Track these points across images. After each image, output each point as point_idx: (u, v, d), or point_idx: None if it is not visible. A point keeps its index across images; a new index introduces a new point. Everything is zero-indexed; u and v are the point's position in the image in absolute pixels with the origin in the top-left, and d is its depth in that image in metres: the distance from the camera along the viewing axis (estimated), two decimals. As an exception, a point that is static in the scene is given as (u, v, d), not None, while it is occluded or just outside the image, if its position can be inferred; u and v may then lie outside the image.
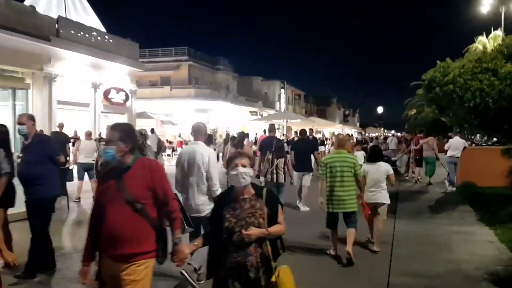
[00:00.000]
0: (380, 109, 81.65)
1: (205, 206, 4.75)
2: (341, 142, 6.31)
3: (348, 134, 14.53)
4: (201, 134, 5.05)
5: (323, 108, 78.10)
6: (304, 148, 10.06)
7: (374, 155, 6.67)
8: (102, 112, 23.39)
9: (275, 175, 8.53)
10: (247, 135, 11.60)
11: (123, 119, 25.41)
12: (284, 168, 8.68)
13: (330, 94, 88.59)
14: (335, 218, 6.00)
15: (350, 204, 5.89)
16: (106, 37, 23.42)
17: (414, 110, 55.13)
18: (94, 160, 10.67)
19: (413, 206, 9.90)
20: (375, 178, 6.33)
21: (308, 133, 11.68)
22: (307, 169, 9.76)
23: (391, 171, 6.46)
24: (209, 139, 13.40)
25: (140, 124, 28.74)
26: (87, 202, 10.45)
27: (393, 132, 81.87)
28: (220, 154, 18.21)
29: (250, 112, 43.19)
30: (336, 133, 9.02)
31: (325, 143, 27.55)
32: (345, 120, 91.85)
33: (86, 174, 10.74)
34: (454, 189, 12.69)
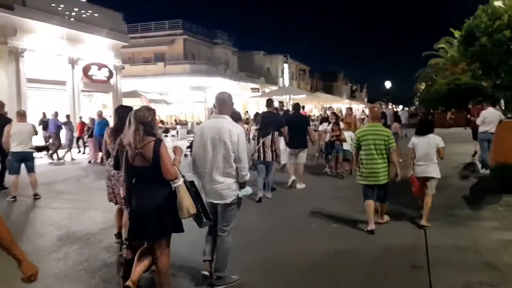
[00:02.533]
0: (388, 84, 78.96)
1: (231, 191, 4.15)
2: (374, 115, 6.28)
3: (350, 108, 12.76)
4: (227, 106, 4.32)
5: (330, 83, 76.65)
6: (299, 123, 9.47)
7: (423, 127, 6.45)
8: (82, 91, 21.16)
9: (262, 154, 8.06)
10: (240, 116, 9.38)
11: (107, 98, 23.24)
12: (271, 147, 8.14)
13: (337, 69, 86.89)
14: (370, 190, 6.05)
15: (383, 176, 5.92)
16: (84, 6, 20.95)
17: (424, 84, 52.82)
18: (32, 148, 8.46)
19: (442, 199, 7.57)
20: (425, 151, 6.13)
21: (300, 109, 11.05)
22: (302, 146, 9.31)
23: (442, 144, 6.17)
24: (237, 116, 12.21)
25: (130, 104, 26.57)
26: (25, 203, 8.30)
27: (401, 106, 79.58)
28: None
29: (251, 88, 40.84)
30: (369, 107, 8.31)
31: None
32: (352, 96, 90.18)
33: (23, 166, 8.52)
34: (488, 171, 10.32)
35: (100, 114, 14.90)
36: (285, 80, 50.75)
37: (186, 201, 3.73)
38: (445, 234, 5.81)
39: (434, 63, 45.07)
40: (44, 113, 17.03)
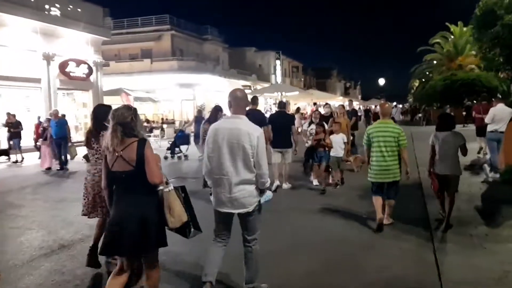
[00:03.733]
0: (382, 81, 78.72)
1: (253, 198, 3.78)
2: (385, 111, 6.17)
3: (342, 105, 11.32)
4: (242, 105, 3.91)
5: (323, 80, 76.41)
6: (284, 122, 9.03)
7: (444, 122, 6.15)
8: (58, 88, 19.87)
9: None
10: (221, 109, 9.21)
11: (86, 97, 21.96)
12: None
13: (330, 66, 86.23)
14: (379, 187, 6.00)
15: (393, 174, 5.85)
16: (60, -1, 19.64)
17: (418, 81, 51.91)
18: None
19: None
20: (446, 148, 5.90)
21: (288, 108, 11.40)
22: (287, 145, 8.98)
23: (463, 141, 5.95)
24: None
25: (112, 103, 25.35)
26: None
27: (395, 103, 79.40)
28: (191, 132, 15.27)
29: (243, 86, 39.58)
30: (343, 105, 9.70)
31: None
32: (346, 93, 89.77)
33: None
34: (498, 175, 9.23)
35: (56, 114, 13.45)
36: (278, 77, 49.63)
37: (177, 208, 3.43)
38: (461, 263, 4.65)
39: (430, 59, 44.14)
40: (8, 114, 15.57)
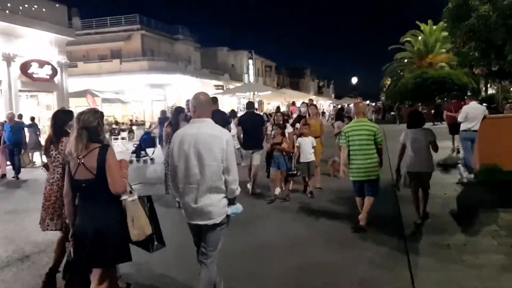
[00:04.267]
0: (354, 80, 79.45)
1: (220, 209, 3.47)
2: (360, 110, 6.20)
3: (314, 106, 10.39)
4: (207, 107, 3.62)
5: (297, 80, 76.60)
6: (253, 122, 8.90)
7: (414, 120, 6.19)
8: (20, 90, 18.95)
9: None
10: (183, 110, 8.70)
11: (50, 99, 21.09)
12: None
13: (304, 66, 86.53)
14: (360, 186, 5.97)
15: (372, 172, 5.83)
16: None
17: (390, 79, 52.43)
18: None
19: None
20: (418, 145, 5.94)
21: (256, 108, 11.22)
22: (257, 147, 8.80)
23: (433, 138, 6.00)
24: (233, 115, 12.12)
25: (78, 104, 24.55)
26: None
27: (367, 101, 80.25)
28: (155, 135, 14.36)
29: (215, 86, 39.14)
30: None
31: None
32: (319, 92, 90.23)
33: None
34: (472, 176, 9.07)
35: (11, 117, 12.65)
36: (251, 76, 49.19)
37: (142, 219, 3.24)
38: (440, 279, 4.30)
39: (401, 58, 44.62)
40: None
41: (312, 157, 8.15)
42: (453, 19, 14.18)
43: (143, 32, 34.86)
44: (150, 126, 21.38)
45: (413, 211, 6.19)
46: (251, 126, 8.74)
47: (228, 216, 3.55)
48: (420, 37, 41.98)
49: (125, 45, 34.57)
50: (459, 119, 9.42)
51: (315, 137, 8.40)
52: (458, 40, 14.46)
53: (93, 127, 3.26)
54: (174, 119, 8.25)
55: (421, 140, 5.94)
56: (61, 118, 4.23)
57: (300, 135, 8.29)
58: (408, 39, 42.76)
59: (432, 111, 29.70)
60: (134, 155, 14.20)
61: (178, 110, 8.78)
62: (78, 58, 34.28)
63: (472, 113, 9.15)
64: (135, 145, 14.48)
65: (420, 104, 35.18)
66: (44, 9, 19.61)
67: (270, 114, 32.91)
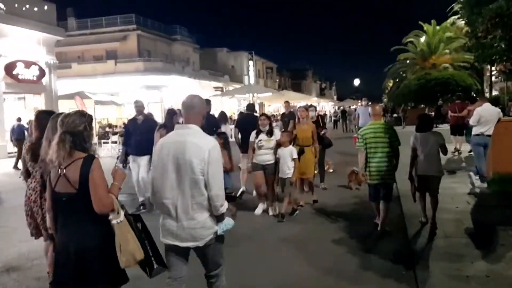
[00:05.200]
0: (357, 82, 78.86)
1: (206, 230, 3.04)
2: (376, 112, 6.12)
3: (305, 108, 8.93)
4: (196, 113, 3.23)
5: (298, 81, 76.39)
6: (251, 125, 8.36)
7: (424, 122, 6.06)
8: (5, 92, 18.13)
9: None
10: (175, 112, 8.30)
11: (38, 101, 20.26)
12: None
13: (306, 67, 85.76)
14: (375, 189, 5.91)
15: (387, 176, 5.77)
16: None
17: (392, 81, 51.42)
18: None
19: (437, 236, 5.33)
20: (428, 149, 5.78)
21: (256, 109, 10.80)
22: None
23: (443, 141, 5.87)
24: (223, 119, 10.70)
25: (67, 107, 23.74)
26: None
27: (364, 102, 79.38)
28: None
29: (214, 87, 38.29)
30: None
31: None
32: (321, 94, 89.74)
33: None
34: (485, 185, 8.14)
35: None
36: (251, 78, 48.37)
37: (130, 243, 2.79)
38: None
39: (404, 58, 43.64)
40: None
41: (289, 173, 6.72)
42: (471, 4, 12.78)
43: (139, 33, 34.12)
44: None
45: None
46: (250, 129, 8.25)
47: (217, 236, 3.11)
48: (423, 38, 41.01)
49: (121, 46, 33.81)
50: (471, 122, 8.48)
51: (306, 146, 7.41)
52: (480, 28, 12.30)
53: (79, 132, 2.90)
54: (169, 122, 7.78)
55: (430, 143, 5.80)
56: (46, 119, 3.80)
57: (279, 145, 6.93)
58: (411, 39, 41.78)
59: (432, 113, 28.80)
60: (118, 161, 13.23)
61: (171, 113, 8.37)
62: (73, 59, 33.64)
63: (485, 116, 8.22)
64: (120, 150, 13.47)
65: (423, 105, 34.24)
66: (30, 7, 18.79)
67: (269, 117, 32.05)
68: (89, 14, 44.00)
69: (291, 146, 6.87)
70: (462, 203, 7.14)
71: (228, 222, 3.15)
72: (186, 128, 3.16)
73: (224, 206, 3.09)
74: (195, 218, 3.02)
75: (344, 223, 6.64)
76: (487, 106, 8.44)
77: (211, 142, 3.10)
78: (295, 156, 6.79)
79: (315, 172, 7.93)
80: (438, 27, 40.23)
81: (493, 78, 34.82)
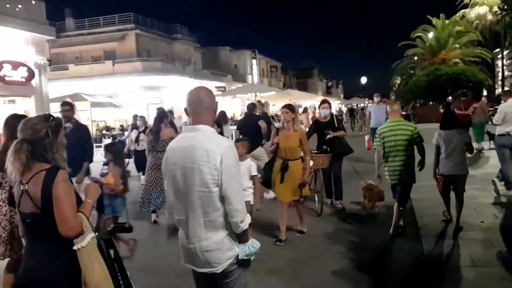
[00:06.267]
0: (364, 79, 77.85)
1: (223, 253, 2.51)
2: (395, 110, 5.88)
3: (287, 107, 7.73)
4: (205, 108, 2.64)
5: (304, 80, 75.52)
6: (252, 126, 8.71)
7: (449, 120, 5.81)
8: (-9, 95, 17.24)
9: None
10: (165, 114, 7.89)
11: (28, 104, 19.33)
12: None
13: (311, 65, 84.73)
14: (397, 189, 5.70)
15: (405, 175, 5.53)
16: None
17: (399, 78, 50.16)
18: None
19: (461, 258, 4.25)
20: (453, 147, 5.58)
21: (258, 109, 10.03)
22: (256, 146, 8.46)
23: (469, 139, 5.74)
24: (223, 119, 9.68)
25: (58, 110, 22.84)
26: None
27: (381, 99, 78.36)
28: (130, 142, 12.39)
29: (216, 87, 37.25)
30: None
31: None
32: (328, 92, 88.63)
33: None
34: (512, 192, 7.03)
35: None
36: (254, 77, 47.34)
37: (97, 274, 2.34)
38: None
39: (412, 54, 42.37)
40: None
41: (246, 195, 4.76)
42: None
43: (138, 32, 33.17)
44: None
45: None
46: (251, 130, 8.47)
47: (241, 260, 2.54)
48: (432, 33, 39.73)
49: (119, 46, 32.87)
50: (495, 121, 7.35)
51: (292, 159, 5.60)
52: None
53: (38, 139, 2.48)
54: (155, 125, 7.33)
55: (455, 141, 5.62)
56: (15, 124, 3.21)
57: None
58: (419, 34, 40.51)
59: (442, 110, 27.60)
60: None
61: (160, 115, 7.60)
62: (71, 60, 32.90)
63: (511, 112, 7.09)
64: (134, 150, 12.42)
65: (432, 102, 33.05)
66: (14, 4, 17.85)
67: (273, 116, 31.06)
68: (88, 14, 43.05)
69: (248, 160, 5.32)
70: (488, 216, 6.04)
71: (253, 244, 2.58)
72: (194, 130, 2.60)
73: (246, 222, 2.53)
74: (209, 238, 2.51)
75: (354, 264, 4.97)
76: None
77: (223, 144, 2.53)
78: (254, 172, 5.23)
79: (308, 191, 5.97)
80: (447, 21, 38.97)
81: (506, 73, 33.50)
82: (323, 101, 7.68)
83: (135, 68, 29.84)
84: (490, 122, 10.33)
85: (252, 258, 2.59)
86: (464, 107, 12.05)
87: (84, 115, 24.62)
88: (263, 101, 43.12)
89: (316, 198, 7.27)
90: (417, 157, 5.70)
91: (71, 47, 33.73)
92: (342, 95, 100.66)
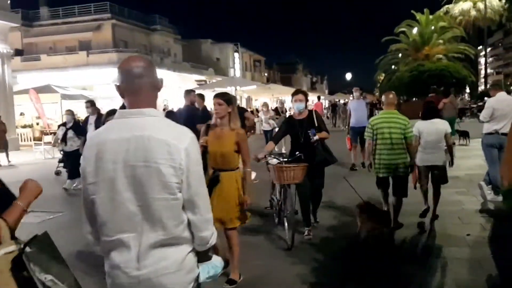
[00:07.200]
0: (349, 75, 77.78)
1: (183, 275, 1.89)
2: (390, 101, 5.65)
3: (265, 104, 7.36)
4: (147, 84, 1.92)
5: (288, 75, 75.10)
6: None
7: (429, 110, 5.88)
8: None
9: None
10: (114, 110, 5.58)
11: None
12: None
13: (296, 60, 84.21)
14: (386, 182, 5.56)
15: (401, 168, 5.38)
16: None
17: (383, 74, 49.78)
18: None
19: (443, 279, 3.48)
20: (433, 138, 5.61)
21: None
22: None
23: (449, 129, 5.74)
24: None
25: (22, 102, 21.75)
26: None
27: (362, 94, 78.16)
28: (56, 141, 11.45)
29: (197, 81, 36.28)
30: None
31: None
32: (312, 88, 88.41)
33: None
34: (500, 198, 6.30)
35: None
36: (237, 71, 46.39)
37: None
38: None
39: (395, 49, 41.95)
40: None
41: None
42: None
43: (114, 22, 32.03)
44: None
45: None
46: None
47: (199, 285, 1.96)
48: (416, 28, 39.33)
49: (95, 36, 31.67)
50: (482, 118, 6.61)
51: (226, 170, 4.03)
52: None
53: None
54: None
55: (436, 132, 5.62)
56: None
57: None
58: (403, 29, 40.08)
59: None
60: (62, 164, 11.23)
61: (110, 113, 6.46)
62: (45, 51, 31.67)
63: (501, 109, 6.34)
64: (62, 152, 11.37)
65: (415, 99, 32.66)
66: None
67: (253, 111, 30.21)
68: (63, 3, 41.47)
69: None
70: (474, 227, 5.31)
71: (216, 263, 2.10)
72: (140, 114, 1.84)
73: (214, 236, 1.98)
74: (169, 257, 1.86)
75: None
76: (502, 96, 6.54)
77: (187, 135, 1.88)
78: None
79: (248, 218, 4.25)
80: (431, 17, 38.64)
81: (488, 70, 33.27)
82: (297, 92, 5.75)
83: (110, 60, 28.66)
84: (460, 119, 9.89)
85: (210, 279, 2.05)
86: (436, 103, 11.64)
87: (53, 108, 23.61)
88: (245, 96, 42.21)
89: (286, 225, 5.23)
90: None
91: (44, 36, 32.47)
92: (326, 91, 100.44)
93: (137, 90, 1.88)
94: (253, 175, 4.48)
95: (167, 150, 1.79)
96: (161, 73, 24.79)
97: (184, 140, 1.84)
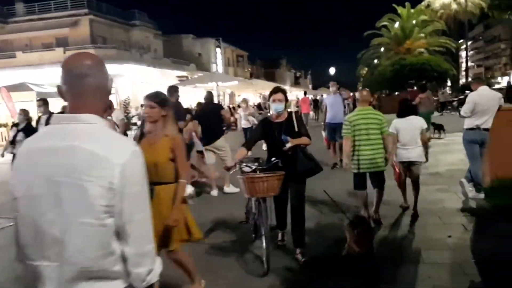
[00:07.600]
0: (332, 70, 77.59)
1: None
2: (365, 98, 5.73)
3: (245, 100, 7.25)
4: (92, 86, 1.59)
5: (272, 70, 75.06)
6: (212, 115, 7.99)
7: (405, 108, 5.97)
8: None
9: None
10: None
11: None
12: None
13: (279, 56, 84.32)
14: (363, 178, 5.57)
15: (379, 163, 5.43)
16: None
17: (366, 68, 49.79)
18: None
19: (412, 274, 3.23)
20: (409, 134, 5.73)
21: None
22: (219, 137, 7.94)
23: (425, 126, 5.84)
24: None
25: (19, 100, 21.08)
26: None
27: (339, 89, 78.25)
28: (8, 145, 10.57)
29: (178, 76, 35.68)
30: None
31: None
32: (296, 83, 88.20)
33: None
34: (482, 195, 6.11)
35: None
36: (219, 66, 45.92)
37: None
38: None
39: (377, 43, 41.92)
40: None
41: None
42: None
43: (92, 17, 31.36)
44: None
45: None
46: (210, 120, 7.98)
47: None
48: (397, 22, 39.34)
49: (72, 32, 30.98)
50: (463, 113, 6.38)
51: (161, 183, 3.38)
52: None
53: None
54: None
55: (412, 129, 5.73)
56: None
57: None
58: (385, 23, 40.05)
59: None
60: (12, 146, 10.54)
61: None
62: (20, 48, 30.85)
63: (482, 103, 6.13)
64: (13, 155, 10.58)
65: (398, 93, 32.65)
66: None
67: (235, 107, 29.81)
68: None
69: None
70: (455, 227, 5.07)
71: None
72: (75, 120, 1.53)
73: (155, 273, 1.57)
74: None
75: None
76: (483, 90, 6.33)
77: (127, 149, 1.52)
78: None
79: (196, 233, 3.63)
80: (412, 10, 38.66)
81: (469, 63, 33.41)
82: (276, 91, 4.76)
83: (88, 56, 28.11)
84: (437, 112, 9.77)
85: None
86: (411, 98, 11.54)
87: (28, 106, 22.94)
88: (228, 91, 41.67)
89: (264, 244, 4.29)
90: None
91: (20, 33, 31.63)
92: (310, 86, 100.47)
93: (79, 93, 1.58)
94: (189, 189, 3.62)
95: (97, 165, 1.46)
96: (141, 69, 24.46)
97: (121, 155, 1.50)
